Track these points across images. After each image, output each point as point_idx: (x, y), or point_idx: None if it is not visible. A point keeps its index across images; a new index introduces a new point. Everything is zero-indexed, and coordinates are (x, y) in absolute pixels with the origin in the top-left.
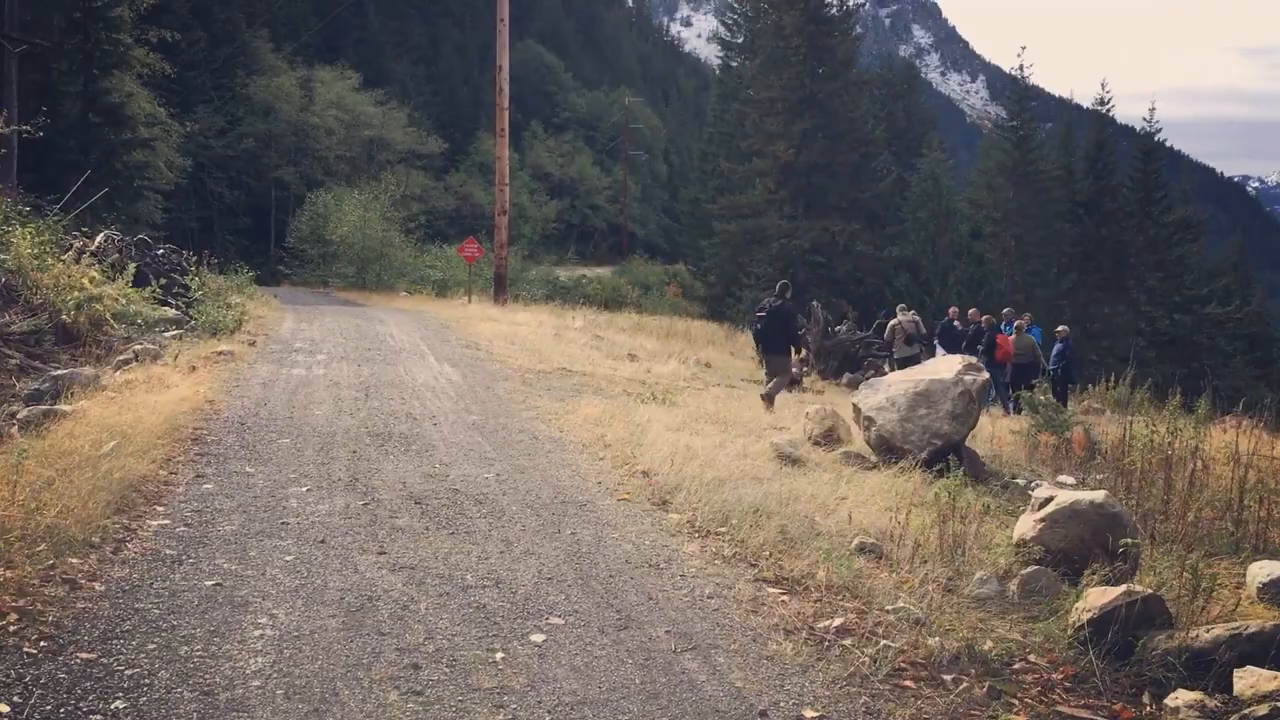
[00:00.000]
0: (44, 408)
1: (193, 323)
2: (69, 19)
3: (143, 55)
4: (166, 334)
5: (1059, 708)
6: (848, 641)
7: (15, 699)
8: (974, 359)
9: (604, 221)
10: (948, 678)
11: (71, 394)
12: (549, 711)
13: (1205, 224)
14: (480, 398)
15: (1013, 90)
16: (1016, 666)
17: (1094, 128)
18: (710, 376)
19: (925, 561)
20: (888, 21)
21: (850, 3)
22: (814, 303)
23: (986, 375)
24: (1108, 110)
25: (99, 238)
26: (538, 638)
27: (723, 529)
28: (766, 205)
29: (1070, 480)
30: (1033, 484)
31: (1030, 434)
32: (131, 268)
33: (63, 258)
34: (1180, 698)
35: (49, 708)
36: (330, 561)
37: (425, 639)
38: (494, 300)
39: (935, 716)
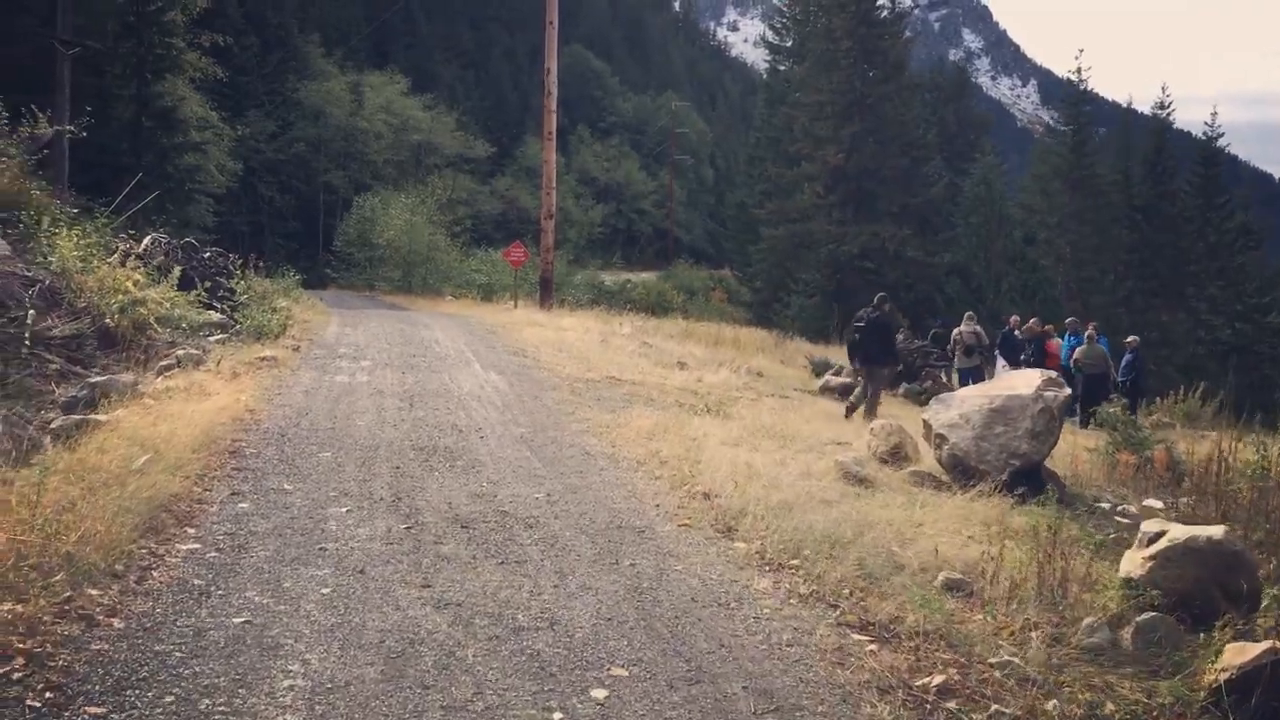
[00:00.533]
0: (78, 417)
1: (237, 327)
2: (122, 23)
3: (195, 59)
4: (211, 338)
5: None
6: (952, 704)
7: None
8: (1054, 373)
9: (649, 226)
10: None
11: (109, 401)
12: None
13: (1265, 231)
14: (528, 408)
15: (1068, 94)
16: None
17: (1153, 131)
18: (763, 386)
19: (1021, 602)
20: (937, 26)
21: (901, 5)
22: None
23: (1068, 391)
24: (1168, 114)
25: (145, 240)
26: (599, 693)
27: (795, 561)
28: (815, 210)
29: (1159, 505)
30: (1118, 507)
31: (1108, 452)
32: (177, 271)
33: (108, 260)
34: None
35: None
36: (370, 596)
37: (474, 694)
38: (540, 305)
39: None
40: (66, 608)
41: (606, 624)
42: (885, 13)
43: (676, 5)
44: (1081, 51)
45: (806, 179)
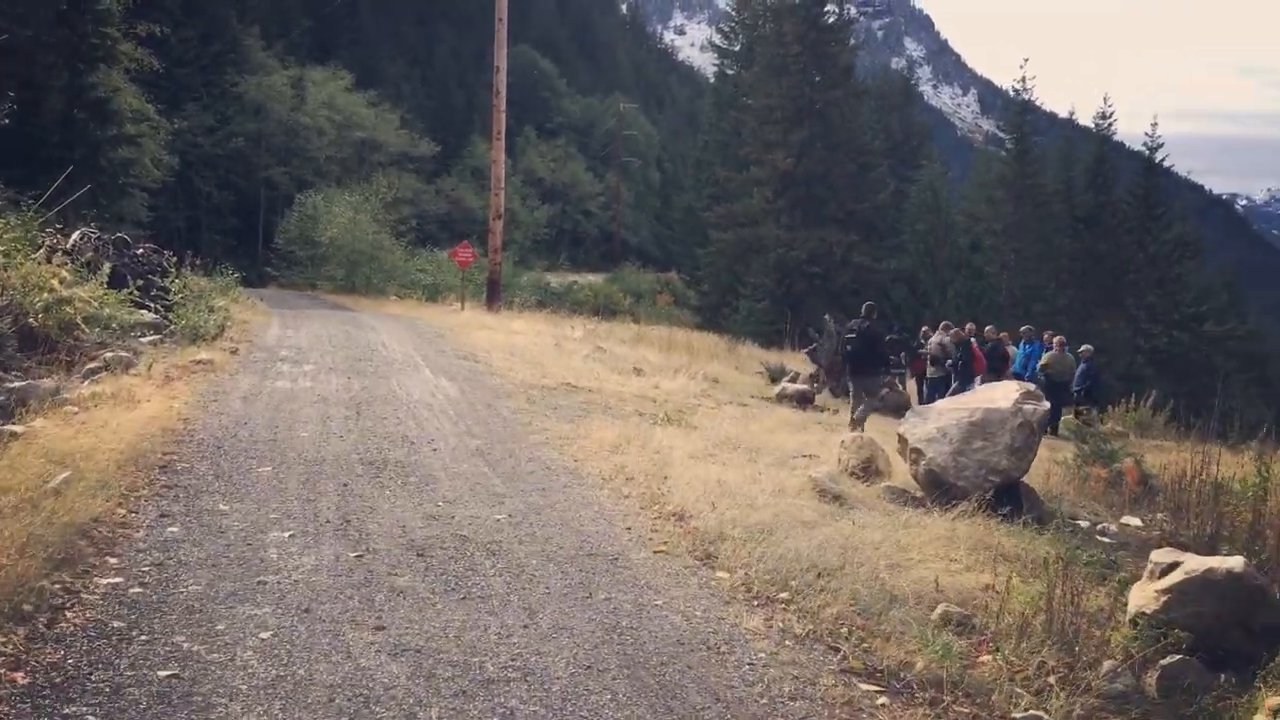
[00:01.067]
0: None
1: (172, 327)
2: (55, 11)
3: (130, 50)
4: (143, 339)
5: None
6: None
7: None
8: (1032, 386)
9: (596, 228)
10: None
11: (27, 410)
12: None
13: (1201, 241)
14: (482, 417)
15: (1013, 104)
16: None
17: (1094, 143)
18: (720, 394)
19: (1031, 640)
20: (880, 34)
21: (848, 12)
22: (825, 315)
23: (1047, 405)
24: (1109, 126)
25: (74, 235)
26: None
27: (784, 594)
28: (764, 214)
29: (1136, 522)
30: (1098, 525)
31: (1078, 466)
32: (107, 267)
33: (33, 256)
34: None
35: None
36: (317, 641)
37: None
38: (488, 307)
39: None
40: None
41: (586, 673)
42: (833, 18)
43: (624, 8)
44: (1026, 60)
45: (755, 183)
